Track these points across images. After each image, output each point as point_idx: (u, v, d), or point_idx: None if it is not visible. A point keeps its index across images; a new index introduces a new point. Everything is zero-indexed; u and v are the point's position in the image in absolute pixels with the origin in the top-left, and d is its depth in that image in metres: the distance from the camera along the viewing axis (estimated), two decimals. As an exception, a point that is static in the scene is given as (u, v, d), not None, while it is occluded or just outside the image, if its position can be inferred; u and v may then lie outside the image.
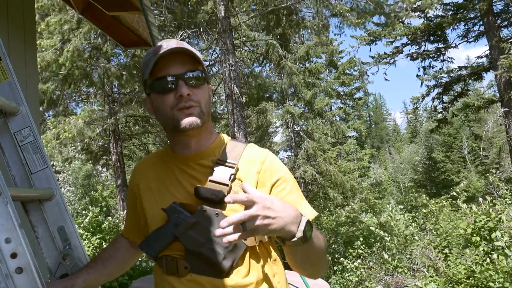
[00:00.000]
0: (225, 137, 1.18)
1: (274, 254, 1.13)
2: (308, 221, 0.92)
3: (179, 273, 1.05)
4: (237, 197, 0.87)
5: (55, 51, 9.37)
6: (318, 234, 1.01)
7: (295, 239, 0.89)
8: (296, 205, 1.06)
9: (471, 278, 4.53)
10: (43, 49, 9.30)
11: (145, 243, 1.10)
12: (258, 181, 1.08)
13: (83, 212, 11.01)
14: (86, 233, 9.00)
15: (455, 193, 7.39)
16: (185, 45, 1.06)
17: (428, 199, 9.67)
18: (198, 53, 1.08)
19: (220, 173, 1.07)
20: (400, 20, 11.13)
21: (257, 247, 1.08)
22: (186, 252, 1.04)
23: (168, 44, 1.07)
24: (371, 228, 8.53)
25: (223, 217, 1.02)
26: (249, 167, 1.10)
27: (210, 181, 1.06)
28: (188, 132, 1.06)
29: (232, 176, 1.07)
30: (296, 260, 1.00)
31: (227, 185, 1.05)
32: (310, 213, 1.09)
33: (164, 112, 1.06)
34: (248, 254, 1.06)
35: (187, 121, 1.03)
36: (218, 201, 1.04)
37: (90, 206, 12.27)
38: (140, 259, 3.59)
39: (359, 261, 6.65)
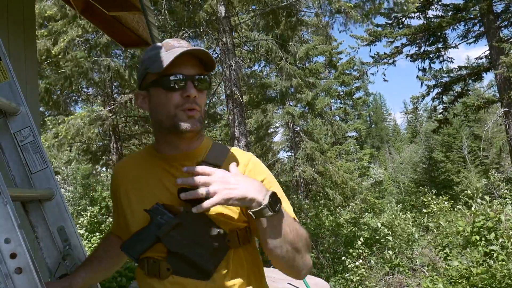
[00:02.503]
0: (210, 140, 1.19)
1: (257, 259, 1.13)
2: (275, 194, 0.94)
3: (161, 275, 1.03)
4: (191, 193, 0.95)
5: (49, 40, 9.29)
6: (296, 225, 1.01)
7: (262, 206, 0.91)
8: None
9: (470, 278, 4.53)
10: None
11: (127, 244, 1.07)
12: None
13: (82, 213, 11.01)
14: (86, 233, 9.01)
15: (463, 194, 7.34)
16: (202, 48, 1.08)
17: (429, 199, 9.66)
18: (213, 59, 1.09)
19: None
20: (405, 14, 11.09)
21: (241, 251, 1.07)
22: (168, 254, 1.03)
23: (180, 43, 1.09)
24: (375, 227, 8.52)
25: (207, 218, 1.02)
26: None
27: None
28: (186, 134, 1.06)
29: None
30: (272, 243, 0.95)
31: None
32: (290, 213, 1.08)
33: (166, 110, 1.05)
34: (231, 257, 1.05)
35: (188, 123, 1.04)
36: (202, 202, 1.02)
37: (87, 207, 12.25)
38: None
39: (360, 261, 6.65)
